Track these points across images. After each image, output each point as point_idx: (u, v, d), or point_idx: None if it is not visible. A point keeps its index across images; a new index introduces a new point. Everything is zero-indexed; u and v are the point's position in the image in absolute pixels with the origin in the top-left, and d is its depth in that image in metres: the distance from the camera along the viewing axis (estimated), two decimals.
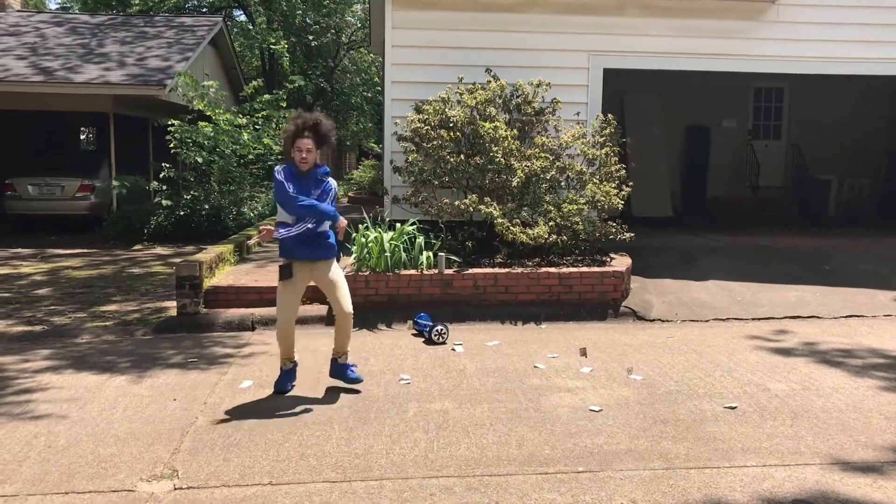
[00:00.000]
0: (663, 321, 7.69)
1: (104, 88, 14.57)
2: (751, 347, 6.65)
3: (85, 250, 12.67)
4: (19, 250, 12.61)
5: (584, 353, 6.36)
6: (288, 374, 5.45)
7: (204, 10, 27.52)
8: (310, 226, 5.14)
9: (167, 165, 13.91)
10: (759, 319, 7.71)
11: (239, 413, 4.95)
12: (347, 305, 5.34)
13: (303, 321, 6.95)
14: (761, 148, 15.48)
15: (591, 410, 5.00)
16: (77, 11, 26.70)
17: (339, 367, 5.49)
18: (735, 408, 5.05)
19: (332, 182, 5.33)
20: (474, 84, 9.00)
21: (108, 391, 5.39)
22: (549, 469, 4.09)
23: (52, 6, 34.56)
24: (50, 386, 5.51)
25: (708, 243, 10.87)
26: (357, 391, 5.37)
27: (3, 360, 6.25)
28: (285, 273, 5.24)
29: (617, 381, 5.66)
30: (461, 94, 8.87)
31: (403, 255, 7.84)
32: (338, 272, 5.39)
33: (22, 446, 4.38)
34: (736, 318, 7.74)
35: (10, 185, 15.17)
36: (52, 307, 8.23)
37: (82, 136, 25.44)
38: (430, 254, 7.91)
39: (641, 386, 5.54)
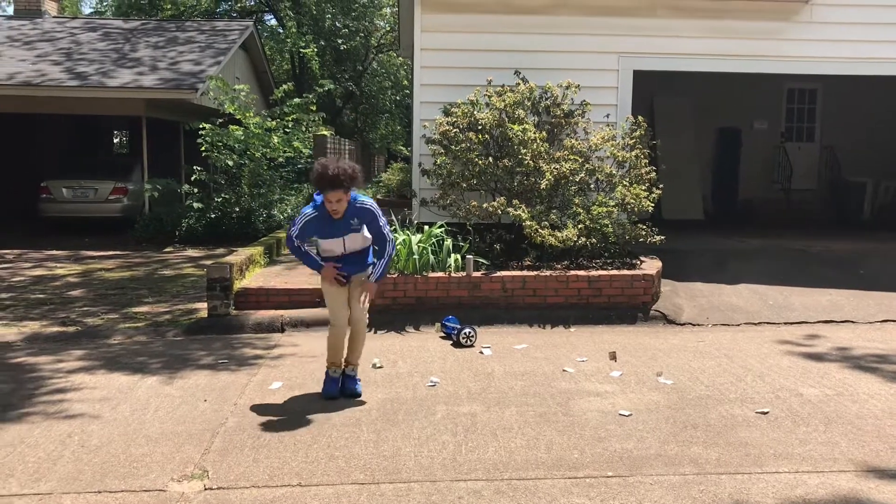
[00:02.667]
0: (694, 325, 7.61)
1: (137, 93, 14.76)
2: (783, 352, 6.56)
3: (117, 252, 12.84)
4: (54, 252, 12.80)
5: (613, 356, 6.32)
6: (335, 381, 5.40)
7: (235, 14, 27.79)
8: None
9: (198, 168, 14.04)
10: (792, 324, 7.61)
11: (268, 414, 4.98)
12: (366, 313, 5.37)
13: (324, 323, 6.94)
14: (794, 150, 15.28)
15: (620, 415, 4.96)
16: (111, 17, 27.08)
17: (348, 378, 5.42)
18: (767, 413, 4.98)
19: (368, 202, 5.25)
20: (503, 86, 8.98)
21: (139, 391, 5.45)
22: (578, 473, 4.06)
23: (87, 11, 35.12)
24: (83, 386, 5.59)
25: (739, 246, 10.75)
26: (386, 394, 5.38)
27: (37, 360, 6.35)
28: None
29: (647, 385, 5.62)
30: (490, 97, 8.86)
31: (431, 257, 7.84)
32: (365, 284, 5.38)
33: (56, 445, 4.44)
34: (768, 323, 7.65)
35: (46, 187, 15.43)
36: (86, 308, 8.35)
37: (115, 140, 25.81)
38: (458, 256, 7.91)
39: (672, 390, 5.48)
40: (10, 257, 12.25)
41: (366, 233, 5.23)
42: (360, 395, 5.37)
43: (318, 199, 5.12)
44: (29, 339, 7.09)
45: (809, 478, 4.01)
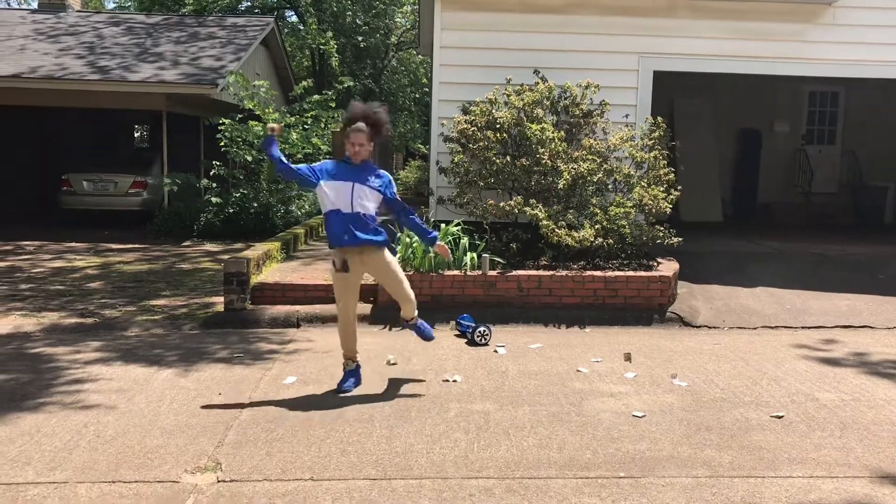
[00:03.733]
0: (710, 328, 7.57)
1: (158, 87, 14.86)
2: (799, 356, 6.52)
3: (136, 245, 12.94)
4: (73, 244, 12.92)
5: (628, 357, 6.30)
6: (350, 374, 5.46)
7: (256, 10, 27.90)
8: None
9: (217, 163, 14.13)
10: (809, 328, 7.55)
11: (282, 408, 5.00)
12: (408, 293, 5.55)
13: None
14: (815, 153, 15.16)
15: (634, 416, 4.95)
16: (133, 11, 27.27)
17: (415, 328, 5.76)
18: (782, 417, 4.95)
19: (385, 172, 5.47)
20: (522, 85, 8.97)
21: (155, 384, 5.50)
22: (590, 473, 4.06)
23: (110, 6, 35.40)
24: (100, 377, 5.64)
25: (758, 249, 10.69)
26: (399, 391, 5.39)
27: (55, 350, 6.41)
28: (343, 265, 5.29)
29: (661, 387, 5.59)
30: (508, 96, 8.85)
31: None
32: (394, 262, 5.46)
33: (72, 435, 4.48)
34: (785, 326, 7.59)
35: (66, 180, 15.58)
36: (104, 300, 8.42)
37: (136, 134, 26.00)
38: (475, 255, 7.91)
39: (686, 392, 5.46)
40: (31, 249, 12.37)
41: (376, 193, 5.27)
42: (433, 338, 5.83)
43: None
44: (47, 330, 7.16)
45: (823, 483, 3.98)
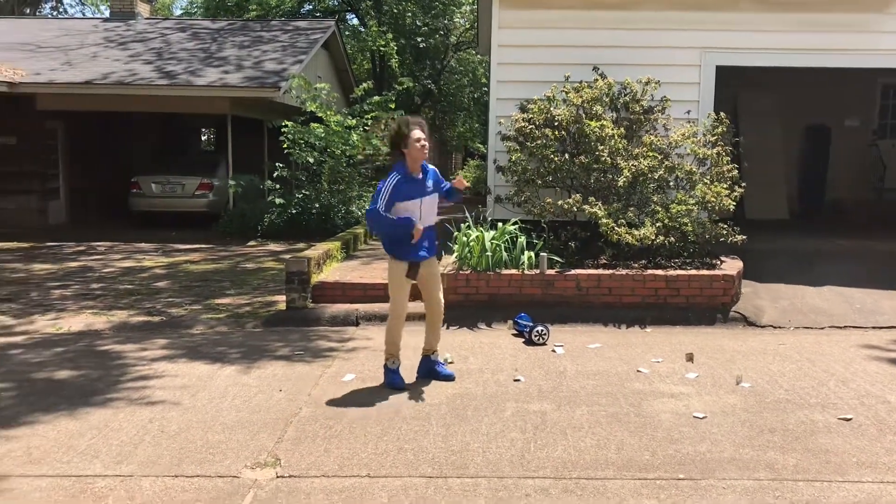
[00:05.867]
0: (775, 327, 7.38)
1: (223, 91, 15.19)
2: (869, 357, 6.30)
3: (202, 246, 13.25)
4: (142, 245, 13.30)
5: (690, 358, 6.19)
6: (396, 372, 5.52)
7: (318, 14, 28.26)
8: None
9: (280, 165, 14.37)
10: (881, 328, 7.30)
11: (341, 405, 5.06)
12: (442, 300, 5.62)
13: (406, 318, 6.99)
14: (888, 148, 14.62)
15: (694, 417, 4.85)
16: (199, 17, 27.91)
17: (432, 364, 5.65)
18: (850, 419, 4.80)
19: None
20: (581, 83, 8.89)
21: (218, 380, 5.62)
22: (649, 475, 4.00)
23: (177, 13, 36.31)
24: (165, 374, 5.79)
25: (826, 247, 10.37)
26: (456, 389, 5.40)
27: (123, 348, 6.61)
28: (412, 273, 5.38)
29: (723, 387, 5.48)
30: (567, 93, 8.78)
31: (505, 254, 7.82)
32: (438, 268, 5.63)
33: (138, 430, 4.61)
34: (854, 327, 7.35)
35: (136, 183, 16.07)
36: (170, 299, 8.64)
37: (202, 137, 26.62)
38: (532, 254, 7.87)
39: (749, 394, 5.34)
40: (102, 249, 12.78)
41: (436, 195, 5.42)
42: (454, 377, 5.61)
43: (393, 172, 5.33)
44: (116, 328, 7.38)
45: (895, 489, 3.84)
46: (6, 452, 4.26)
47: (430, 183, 5.41)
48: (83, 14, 38.65)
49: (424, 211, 5.36)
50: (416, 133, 5.26)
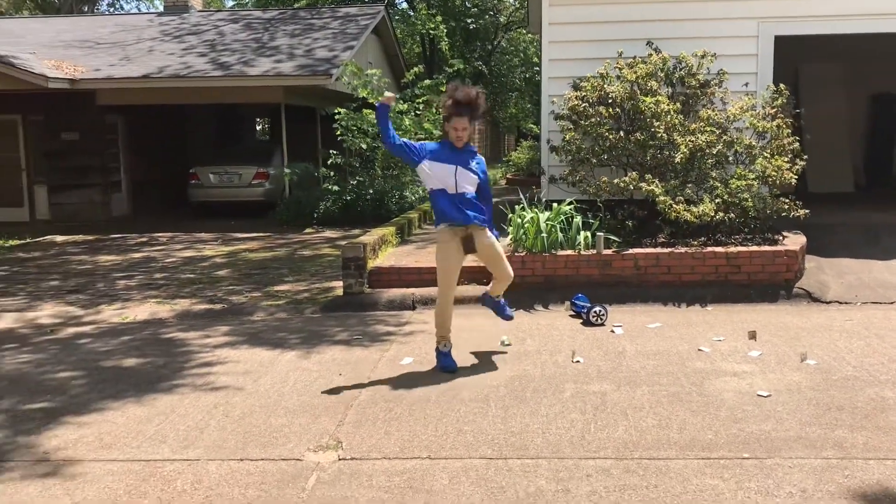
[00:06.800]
0: (841, 303, 7.18)
1: (276, 80, 15.35)
2: None
3: (260, 234, 13.45)
4: (202, 234, 13.56)
5: (752, 336, 6.06)
6: (448, 354, 5.53)
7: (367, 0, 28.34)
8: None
9: (334, 152, 14.48)
10: None
11: (399, 388, 5.10)
12: (510, 270, 5.69)
13: (460, 301, 7.01)
14: None
15: (758, 395, 4.76)
16: (251, 8, 28.22)
17: (495, 301, 5.88)
18: None
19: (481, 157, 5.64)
20: (634, 58, 8.74)
21: (279, 365, 5.70)
22: (712, 454, 3.93)
23: (229, 4, 36.75)
24: (228, 360, 5.90)
25: (893, 220, 10.03)
26: (514, 371, 5.39)
27: (187, 335, 6.76)
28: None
29: (788, 365, 5.36)
30: (620, 69, 8.64)
31: (560, 235, 7.76)
32: (495, 240, 5.59)
33: (203, 415, 4.72)
34: None
35: (194, 173, 16.38)
36: (231, 287, 8.80)
37: (257, 127, 26.96)
38: (588, 234, 7.79)
39: (815, 371, 5.21)
40: (164, 240, 13.07)
41: (474, 177, 5.40)
42: (512, 318, 5.96)
43: None
44: (180, 316, 7.55)
45: None
46: (79, 438, 4.40)
47: (472, 162, 5.40)
48: (138, 9, 39.42)
49: (459, 180, 5.32)
50: (456, 122, 5.28)
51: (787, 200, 7.99)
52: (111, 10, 37.38)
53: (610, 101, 8.43)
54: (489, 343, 6.07)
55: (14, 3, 35.05)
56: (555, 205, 8.09)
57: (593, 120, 8.39)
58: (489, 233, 5.52)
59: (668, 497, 3.51)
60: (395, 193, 14.37)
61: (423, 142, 5.51)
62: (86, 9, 34.53)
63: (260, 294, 8.36)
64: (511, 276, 5.68)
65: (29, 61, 15.09)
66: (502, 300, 5.88)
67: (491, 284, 5.85)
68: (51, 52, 16.88)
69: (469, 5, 27.21)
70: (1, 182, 16.56)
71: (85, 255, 11.55)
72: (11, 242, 13.08)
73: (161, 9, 25.06)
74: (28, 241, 13.29)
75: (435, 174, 5.32)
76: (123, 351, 6.29)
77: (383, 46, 21.37)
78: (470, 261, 5.98)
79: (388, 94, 5.50)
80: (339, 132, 14.46)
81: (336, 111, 14.43)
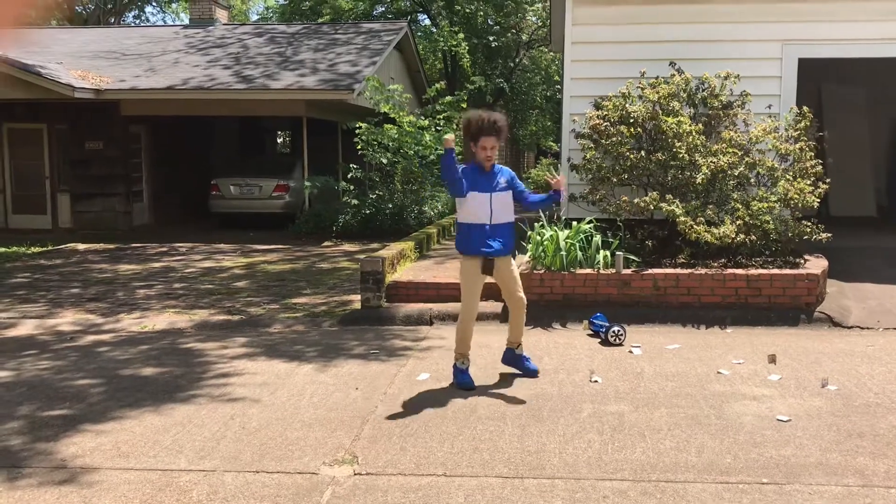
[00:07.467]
0: (863, 328, 7.11)
1: (298, 94, 15.46)
2: None
3: (279, 246, 13.51)
4: (221, 245, 13.64)
5: (772, 359, 6.01)
6: (466, 371, 5.52)
7: (390, 15, 28.53)
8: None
9: (354, 166, 14.55)
10: None
11: (416, 404, 5.09)
12: (523, 297, 5.62)
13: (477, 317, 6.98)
14: None
15: (778, 420, 4.71)
16: (275, 22, 28.48)
17: (516, 356, 5.70)
18: None
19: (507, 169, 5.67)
20: (657, 78, 8.73)
21: (296, 378, 5.71)
22: (731, 479, 3.89)
23: (254, 18, 37.13)
24: (245, 371, 5.92)
25: None
26: (531, 390, 5.37)
27: (205, 346, 6.79)
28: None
29: (808, 390, 5.30)
30: (642, 89, 8.63)
31: (579, 253, 7.74)
32: (514, 265, 5.62)
33: (220, 426, 4.73)
34: None
35: (215, 185, 16.50)
36: (249, 298, 8.84)
37: (279, 140, 27.14)
38: (608, 253, 7.76)
39: (836, 396, 5.15)
40: (183, 250, 13.16)
41: (508, 193, 5.45)
42: (537, 373, 5.65)
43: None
44: (198, 327, 7.59)
45: None
46: (97, 446, 4.43)
47: (501, 179, 5.45)
48: (164, 22, 39.91)
49: (496, 207, 5.38)
50: (484, 141, 5.33)
51: (809, 223, 7.93)
52: (137, 22, 37.85)
53: (631, 120, 8.42)
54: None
55: (43, 14, 35.58)
56: (574, 223, 8.07)
57: (614, 139, 8.37)
58: (512, 260, 5.57)
59: None
60: (415, 208, 14.42)
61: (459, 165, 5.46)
62: (112, 21, 34.97)
63: (278, 306, 8.39)
64: (524, 302, 5.63)
65: (56, 71, 15.30)
66: (523, 353, 5.75)
67: (508, 332, 5.72)
68: (77, 62, 17.10)
69: (491, 23, 27.34)
70: (25, 190, 16.76)
71: (106, 264, 11.65)
72: (34, 249, 13.22)
73: (187, 21, 25.33)
74: (50, 248, 13.43)
75: (473, 205, 5.35)
76: (142, 360, 6.33)
77: (405, 62, 21.49)
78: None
79: (448, 136, 5.44)
80: (359, 146, 14.53)
81: (357, 125, 14.52)
